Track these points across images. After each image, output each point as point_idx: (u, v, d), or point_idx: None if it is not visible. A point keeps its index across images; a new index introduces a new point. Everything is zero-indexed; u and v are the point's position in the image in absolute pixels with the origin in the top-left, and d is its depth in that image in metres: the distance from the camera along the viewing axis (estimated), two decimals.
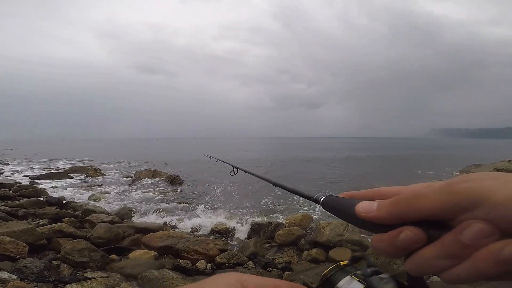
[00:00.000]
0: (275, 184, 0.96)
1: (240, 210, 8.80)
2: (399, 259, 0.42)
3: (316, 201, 0.50)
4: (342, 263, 0.59)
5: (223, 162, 2.68)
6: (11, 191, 10.16)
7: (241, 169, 1.86)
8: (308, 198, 0.56)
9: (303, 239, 6.05)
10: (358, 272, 0.55)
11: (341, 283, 0.54)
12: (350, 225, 6.50)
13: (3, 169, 19.17)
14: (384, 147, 57.97)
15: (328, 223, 6.35)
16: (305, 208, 9.02)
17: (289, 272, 4.68)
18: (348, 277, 0.55)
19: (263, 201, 10.06)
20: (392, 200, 0.41)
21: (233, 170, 2.02)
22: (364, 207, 0.41)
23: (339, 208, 0.43)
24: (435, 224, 0.40)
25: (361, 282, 0.53)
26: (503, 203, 0.39)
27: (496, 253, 0.39)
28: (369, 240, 5.85)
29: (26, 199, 9.05)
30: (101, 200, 9.94)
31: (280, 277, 4.48)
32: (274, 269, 4.90)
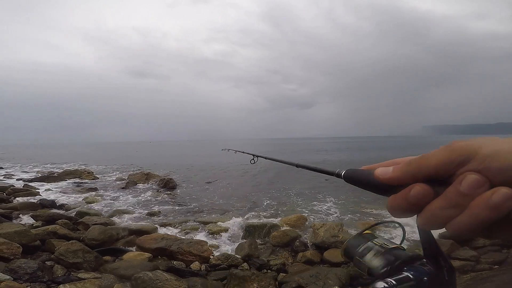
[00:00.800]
0: (298, 166, 1.01)
1: (235, 212, 8.82)
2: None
3: (338, 175, 0.55)
4: (364, 232, 0.66)
5: (243, 152, 2.83)
6: (5, 194, 10.07)
7: (262, 157, 1.92)
8: (330, 173, 0.60)
9: (297, 240, 6.07)
10: (376, 239, 0.62)
11: (361, 249, 0.61)
12: (344, 226, 6.55)
13: None
14: (378, 146, 58.27)
15: (323, 224, 6.39)
16: (300, 209, 9.07)
17: (284, 274, 4.69)
18: (369, 242, 0.61)
19: (257, 203, 10.08)
20: (405, 161, 0.47)
21: (253, 159, 2.11)
22: (382, 171, 0.47)
23: (360, 177, 0.48)
24: (440, 180, 0.46)
25: (381, 247, 0.59)
26: (489, 155, 0.45)
27: (487, 199, 0.45)
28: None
29: (20, 201, 8.97)
30: (95, 202, 9.88)
31: (275, 279, 4.50)
32: (269, 270, 4.91)
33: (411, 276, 0.49)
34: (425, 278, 0.50)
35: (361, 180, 0.48)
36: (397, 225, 0.75)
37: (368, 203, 9.09)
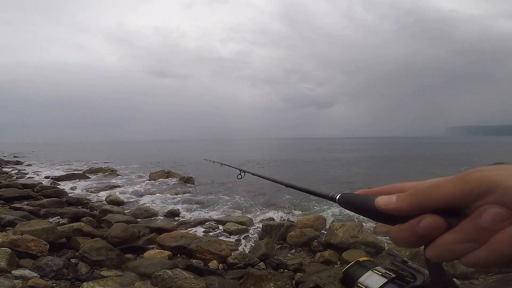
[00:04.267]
0: (287, 185, 0.96)
1: (252, 211, 8.85)
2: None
3: (332, 199, 0.52)
4: (361, 259, 0.61)
5: (229, 166, 2.66)
6: (33, 191, 10.57)
7: (249, 172, 1.82)
8: (323, 196, 0.57)
9: (315, 240, 6.02)
10: (378, 267, 0.57)
11: (362, 279, 0.56)
12: (364, 227, 6.43)
13: (26, 170, 19.94)
14: (399, 147, 56.80)
15: (342, 224, 6.29)
16: (318, 209, 8.98)
17: (301, 274, 4.67)
18: (369, 272, 0.56)
19: (275, 202, 10.06)
20: (411, 191, 0.44)
21: (240, 174, 1.98)
22: (383, 200, 0.44)
23: (357, 203, 0.45)
24: (452, 212, 0.43)
25: (383, 276, 0.54)
26: None
27: None
28: (385, 241, 5.78)
29: (47, 199, 9.39)
30: (117, 200, 10.19)
31: (292, 278, 4.48)
32: (285, 270, 4.91)
33: None
34: None
35: (359, 207, 0.45)
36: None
37: None
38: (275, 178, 1.17)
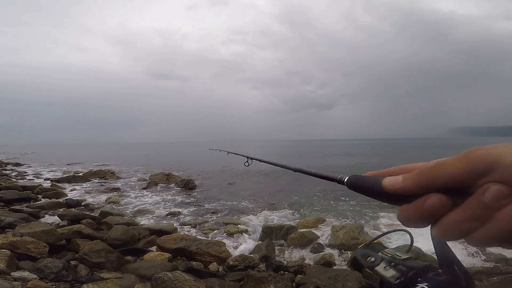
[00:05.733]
0: (295, 170, 0.94)
1: (253, 213, 8.83)
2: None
3: (340, 181, 0.51)
4: (372, 242, 0.63)
5: (236, 154, 2.61)
6: (33, 193, 10.56)
7: (256, 159, 1.78)
8: (332, 179, 0.56)
9: (316, 242, 6.02)
10: (387, 249, 0.59)
11: (370, 260, 0.58)
12: (364, 229, 6.42)
13: (27, 172, 19.93)
14: (400, 148, 56.79)
15: (342, 226, 6.29)
16: (319, 210, 8.97)
17: (301, 276, 4.65)
18: (379, 254, 0.58)
19: (275, 205, 10.05)
20: (417, 171, 0.44)
21: (247, 161, 1.96)
22: (390, 181, 0.45)
23: (365, 185, 0.45)
24: (457, 191, 0.43)
25: (393, 258, 0.56)
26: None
27: None
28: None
29: (47, 200, 9.38)
30: (118, 202, 10.18)
31: (292, 280, 4.46)
32: (286, 272, 4.89)
33: None
34: None
35: (367, 188, 0.45)
36: (405, 233, 0.71)
37: (383, 207, 8.85)
38: (283, 163, 1.14)
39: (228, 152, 3.12)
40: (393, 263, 0.55)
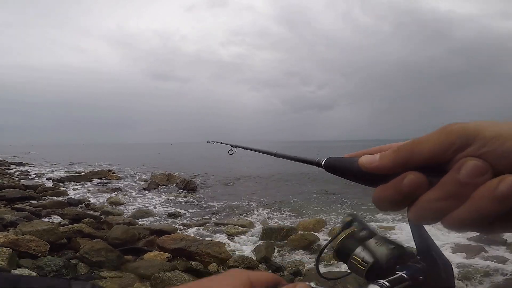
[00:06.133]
0: (276, 155, 0.94)
1: (253, 214, 8.84)
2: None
3: (318, 164, 0.49)
4: (354, 230, 0.58)
5: (221, 143, 2.63)
6: (35, 192, 10.62)
7: (240, 147, 1.82)
8: (310, 163, 0.54)
9: (316, 244, 6.02)
10: (371, 239, 0.55)
11: (358, 250, 0.54)
12: None
13: (29, 172, 20.02)
14: None
15: None
16: (319, 212, 8.97)
17: (301, 277, 4.66)
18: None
19: (276, 206, 10.05)
20: (394, 148, 0.41)
21: (231, 149, 1.99)
22: (367, 159, 0.42)
23: (342, 166, 0.44)
24: (435, 168, 0.39)
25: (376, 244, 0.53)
26: (492, 138, 0.38)
27: (493, 189, 0.38)
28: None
29: (49, 200, 9.43)
30: (118, 202, 10.22)
31: (292, 281, 4.47)
32: (285, 273, 4.89)
33: (405, 276, 0.45)
34: (421, 276, 0.46)
35: (344, 169, 0.43)
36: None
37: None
38: (264, 149, 1.16)
39: (221, 142, 3.18)
40: (372, 251, 0.52)
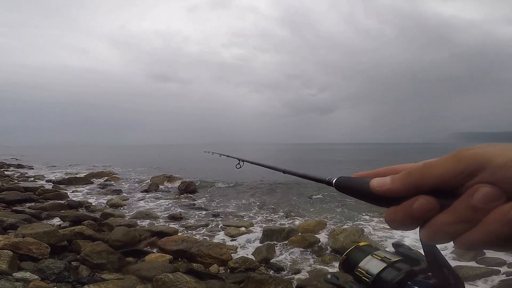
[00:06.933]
0: (284, 172, 0.94)
1: (253, 216, 8.85)
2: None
3: (329, 183, 0.50)
4: (361, 244, 0.62)
5: (228, 156, 2.58)
6: (35, 194, 10.60)
7: (247, 161, 1.75)
8: (320, 181, 0.55)
9: (316, 245, 6.02)
10: (378, 252, 0.58)
11: (362, 263, 0.57)
12: (365, 232, 6.42)
13: (28, 173, 19.99)
14: (402, 153, 56.66)
15: (343, 229, 6.30)
16: (320, 212, 8.97)
17: (302, 278, 4.66)
18: (369, 256, 0.58)
19: (276, 207, 10.06)
20: (405, 172, 0.42)
21: (238, 163, 1.95)
22: (378, 182, 0.43)
23: (353, 187, 0.44)
24: (446, 192, 0.41)
25: (383, 261, 0.55)
26: (503, 165, 0.40)
27: (506, 214, 0.40)
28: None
29: (49, 202, 9.41)
30: (119, 204, 10.20)
31: (291, 282, 4.47)
32: (285, 274, 4.89)
33: None
34: None
35: (355, 190, 0.44)
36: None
37: (382, 212, 8.86)
38: (272, 165, 1.15)
39: (220, 155, 3.10)
40: (383, 266, 0.54)
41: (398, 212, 0.42)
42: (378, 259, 0.56)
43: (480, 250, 0.45)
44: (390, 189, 0.43)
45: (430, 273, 0.50)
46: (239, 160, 1.95)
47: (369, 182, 0.43)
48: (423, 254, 0.49)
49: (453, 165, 0.41)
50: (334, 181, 0.48)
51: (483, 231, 0.41)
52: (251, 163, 1.66)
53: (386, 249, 0.60)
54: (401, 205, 0.42)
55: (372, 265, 0.56)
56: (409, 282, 0.50)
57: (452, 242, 0.42)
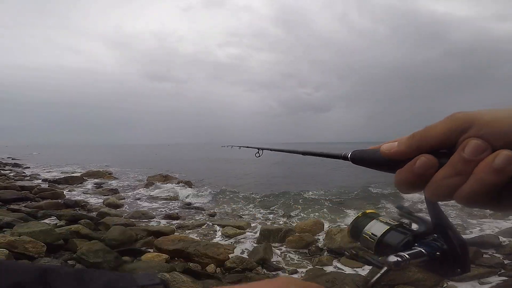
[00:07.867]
0: (304, 153, 1.00)
1: (251, 216, 8.85)
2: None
3: (345, 157, 0.54)
4: (368, 211, 0.66)
5: (247, 147, 2.73)
6: (31, 193, 10.54)
7: (267, 149, 1.86)
8: (336, 157, 0.59)
9: (313, 245, 6.03)
10: (382, 216, 0.62)
11: (367, 227, 0.60)
12: None
13: (25, 173, 19.87)
14: None
15: (340, 229, 6.30)
16: (317, 212, 9.00)
17: (298, 278, 4.66)
18: (374, 220, 0.61)
19: (273, 206, 10.07)
20: (409, 135, 0.47)
21: (258, 152, 2.04)
22: (387, 146, 0.48)
23: (366, 157, 0.49)
24: (444, 151, 0.46)
25: (387, 224, 0.59)
26: (489, 121, 0.45)
27: (490, 163, 0.43)
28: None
29: (45, 201, 9.36)
30: (115, 203, 10.17)
31: None
32: (283, 274, 4.90)
33: (424, 251, 0.50)
34: (438, 253, 0.50)
35: (368, 159, 0.49)
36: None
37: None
38: (291, 149, 1.22)
39: (240, 147, 3.23)
40: (389, 229, 0.57)
41: (403, 172, 0.47)
42: (383, 222, 0.59)
43: (480, 206, 0.47)
44: (397, 151, 0.48)
45: (436, 235, 0.52)
46: (258, 149, 2.02)
47: (379, 149, 0.48)
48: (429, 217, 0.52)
49: (449, 124, 0.46)
50: (349, 155, 0.52)
51: (474, 181, 0.44)
52: (270, 150, 1.74)
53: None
54: (405, 166, 0.47)
55: (376, 228, 0.59)
56: (416, 244, 0.52)
57: (454, 199, 0.46)
